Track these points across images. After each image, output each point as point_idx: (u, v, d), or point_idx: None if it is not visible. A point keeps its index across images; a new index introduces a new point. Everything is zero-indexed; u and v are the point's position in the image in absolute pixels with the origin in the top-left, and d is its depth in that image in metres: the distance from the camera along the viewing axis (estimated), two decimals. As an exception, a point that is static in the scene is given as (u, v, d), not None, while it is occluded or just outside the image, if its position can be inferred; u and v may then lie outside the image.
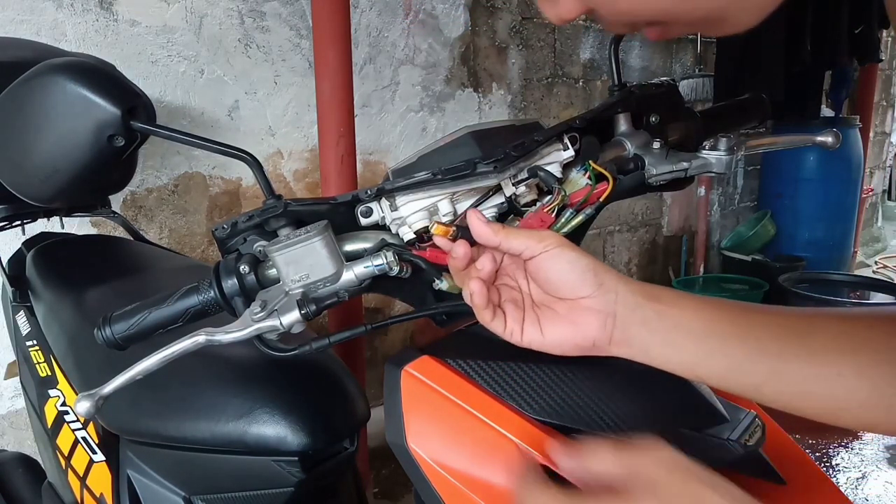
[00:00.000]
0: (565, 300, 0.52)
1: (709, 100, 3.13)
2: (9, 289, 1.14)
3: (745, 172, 3.90)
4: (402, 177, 0.60)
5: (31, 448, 1.59)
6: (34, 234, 1.22)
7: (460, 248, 0.52)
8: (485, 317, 0.53)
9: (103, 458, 0.93)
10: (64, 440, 1.00)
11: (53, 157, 0.58)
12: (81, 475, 0.97)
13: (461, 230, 0.54)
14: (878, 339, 0.45)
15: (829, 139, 0.77)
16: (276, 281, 0.59)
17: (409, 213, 0.61)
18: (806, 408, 0.47)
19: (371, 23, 2.19)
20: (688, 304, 0.50)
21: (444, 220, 0.61)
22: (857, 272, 3.91)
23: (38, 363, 1.05)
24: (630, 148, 0.70)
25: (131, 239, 1.29)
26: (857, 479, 2.17)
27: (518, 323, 0.53)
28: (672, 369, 0.51)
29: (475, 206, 0.62)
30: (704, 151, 0.71)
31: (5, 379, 1.70)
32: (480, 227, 0.52)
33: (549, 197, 0.62)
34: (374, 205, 0.61)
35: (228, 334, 0.56)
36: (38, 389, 1.06)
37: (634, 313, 0.50)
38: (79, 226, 1.64)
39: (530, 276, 0.54)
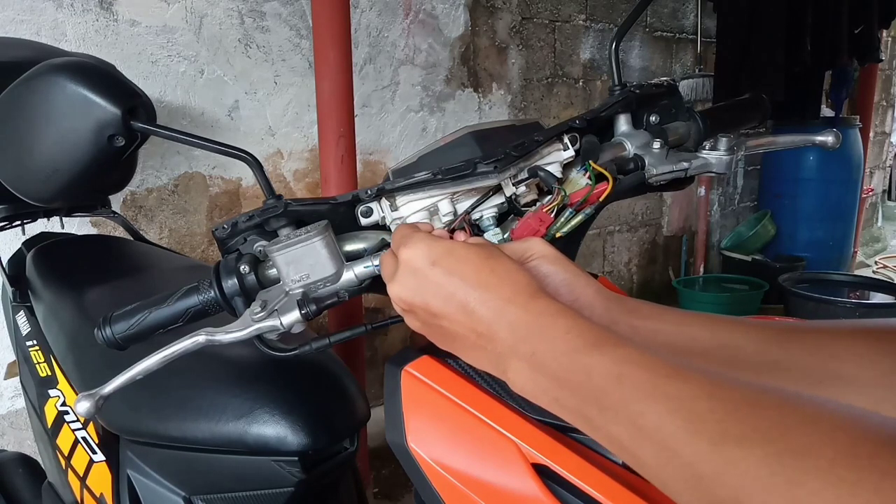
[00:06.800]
0: None
1: (709, 100, 3.13)
2: (9, 289, 1.14)
3: (745, 172, 3.90)
4: (403, 177, 0.60)
5: (31, 448, 1.59)
6: (34, 234, 1.22)
7: None
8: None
9: (103, 458, 0.92)
10: (64, 440, 1.00)
11: (53, 157, 0.58)
12: (81, 475, 0.97)
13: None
14: (860, 347, 0.45)
15: (829, 139, 0.77)
16: (277, 281, 0.59)
17: (410, 213, 0.61)
18: None
19: (371, 23, 2.19)
20: (669, 318, 0.50)
21: (445, 220, 0.61)
22: (857, 272, 3.91)
23: (38, 363, 1.05)
24: (630, 148, 0.70)
25: (131, 239, 1.29)
26: (857, 479, 2.16)
27: None
28: None
29: (475, 206, 0.62)
30: (704, 151, 0.71)
31: (5, 379, 1.71)
32: None
33: (549, 197, 0.62)
34: (374, 205, 0.61)
35: (228, 334, 0.56)
36: (38, 389, 1.06)
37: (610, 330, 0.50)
38: (79, 226, 1.64)
39: None
